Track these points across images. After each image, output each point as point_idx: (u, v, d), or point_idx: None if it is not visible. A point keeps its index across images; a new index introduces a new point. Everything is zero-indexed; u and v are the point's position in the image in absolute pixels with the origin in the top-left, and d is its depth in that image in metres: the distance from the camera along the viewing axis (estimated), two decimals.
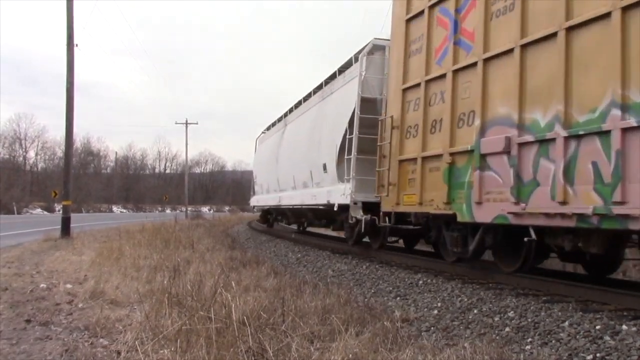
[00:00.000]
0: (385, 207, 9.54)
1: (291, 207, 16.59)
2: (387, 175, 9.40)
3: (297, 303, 5.69)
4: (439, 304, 6.68)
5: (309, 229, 20.11)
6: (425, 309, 6.60)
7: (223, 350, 3.84)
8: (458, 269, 8.44)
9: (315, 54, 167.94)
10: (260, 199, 22.35)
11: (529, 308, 5.84)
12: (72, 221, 17.95)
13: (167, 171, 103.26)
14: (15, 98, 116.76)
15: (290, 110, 18.54)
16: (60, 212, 20.05)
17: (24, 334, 4.84)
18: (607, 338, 4.65)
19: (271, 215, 22.56)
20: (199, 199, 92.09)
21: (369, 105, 10.71)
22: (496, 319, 5.74)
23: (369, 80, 10.78)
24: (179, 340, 4.07)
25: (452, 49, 7.83)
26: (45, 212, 57.66)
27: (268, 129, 23.19)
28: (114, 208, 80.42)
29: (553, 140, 5.93)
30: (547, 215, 5.95)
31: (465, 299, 6.64)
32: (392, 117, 9.45)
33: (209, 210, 76.30)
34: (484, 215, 6.92)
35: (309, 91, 16.23)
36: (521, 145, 6.39)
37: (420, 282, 8.03)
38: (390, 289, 8.02)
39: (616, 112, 5.25)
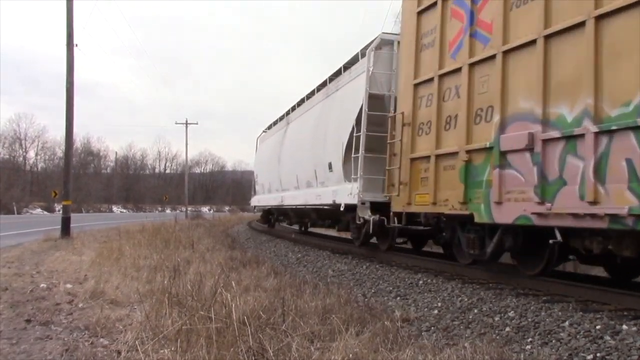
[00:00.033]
0: (396, 207, 9.21)
1: (294, 207, 16.27)
2: (398, 174, 9.07)
3: (297, 303, 5.69)
4: (439, 304, 6.68)
5: (310, 229, 19.82)
6: (426, 309, 6.60)
7: (223, 350, 3.84)
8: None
9: (315, 53, 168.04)
10: (262, 199, 22.02)
11: (529, 308, 5.84)
12: (72, 221, 17.94)
13: (167, 171, 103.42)
14: (15, 98, 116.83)
15: (293, 109, 18.15)
16: (60, 212, 20.05)
17: (24, 334, 4.84)
18: (607, 338, 4.65)
19: (272, 216, 22.24)
20: (199, 199, 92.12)
21: (376, 102, 10.43)
22: (496, 318, 5.74)
23: (377, 76, 10.47)
24: (179, 340, 4.07)
25: (467, 42, 7.48)
26: (45, 212, 57.67)
27: (269, 127, 22.75)
28: (114, 208, 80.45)
29: (582, 136, 5.58)
30: (576, 216, 5.59)
31: (466, 299, 6.64)
32: (402, 113, 9.12)
33: (209, 210, 76.31)
34: (505, 215, 6.57)
35: (311, 89, 15.87)
36: (546, 141, 6.04)
37: (421, 282, 8.03)
38: (391, 288, 8.02)
39: None
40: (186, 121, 56.73)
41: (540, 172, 6.06)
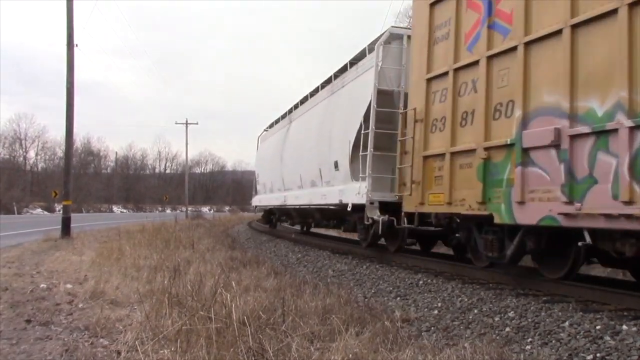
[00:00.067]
0: (408, 207, 8.82)
1: (297, 207, 15.89)
2: (410, 172, 8.68)
3: (297, 303, 5.69)
4: (439, 304, 6.68)
5: (312, 229, 19.45)
6: (426, 309, 6.60)
7: (223, 350, 3.84)
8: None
9: (315, 53, 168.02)
10: (263, 199, 21.53)
11: (529, 308, 5.84)
12: (72, 221, 17.94)
13: (167, 171, 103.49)
14: (15, 98, 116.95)
15: (296, 106, 17.65)
16: (61, 212, 20.06)
17: (24, 334, 4.84)
18: (607, 338, 4.65)
19: (274, 216, 21.79)
20: (199, 199, 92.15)
21: (385, 98, 10.07)
22: (496, 319, 5.74)
23: (386, 71, 10.09)
24: (179, 340, 4.07)
25: (485, 33, 7.12)
26: (46, 212, 57.69)
27: (271, 126, 22.19)
28: (114, 208, 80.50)
29: (614, 131, 5.23)
30: (609, 216, 5.25)
31: (466, 299, 6.64)
32: (414, 109, 8.73)
33: (209, 210, 76.35)
34: (528, 216, 6.21)
35: (315, 86, 15.48)
36: (574, 137, 5.68)
37: (421, 282, 8.03)
38: (391, 289, 8.02)
39: None
40: (186, 121, 56.79)
41: (567, 169, 5.70)
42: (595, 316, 5.24)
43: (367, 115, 10.16)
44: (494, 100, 6.95)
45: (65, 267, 9.30)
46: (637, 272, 7.04)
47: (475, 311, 6.12)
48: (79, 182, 63.70)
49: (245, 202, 69.31)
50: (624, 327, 4.82)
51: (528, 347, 4.83)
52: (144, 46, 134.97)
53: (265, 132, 23.50)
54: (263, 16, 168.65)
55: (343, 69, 12.84)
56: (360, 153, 10.23)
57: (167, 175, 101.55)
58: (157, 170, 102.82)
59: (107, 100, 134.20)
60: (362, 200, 10.00)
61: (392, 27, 10.58)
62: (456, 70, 7.74)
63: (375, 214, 9.64)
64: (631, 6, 5.19)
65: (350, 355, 4.02)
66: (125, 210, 78.94)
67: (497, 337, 5.15)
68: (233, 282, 6.20)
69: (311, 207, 14.25)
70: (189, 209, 55.60)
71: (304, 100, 16.68)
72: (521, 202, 6.29)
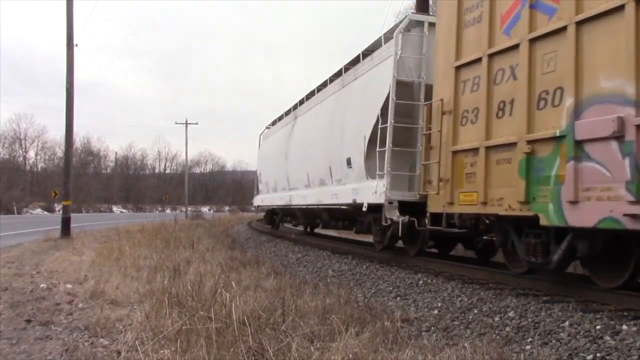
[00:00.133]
0: (435, 208, 8.12)
1: (304, 207, 15.08)
2: (437, 169, 8.00)
3: (297, 303, 5.69)
4: (439, 304, 6.68)
5: (315, 230, 19.03)
6: (426, 309, 6.60)
7: (223, 350, 3.85)
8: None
9: (315, 53, 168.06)
10: (266, 199, 20.67)
11: (529, 308, 5.84)
12: (72, 221, 17.96)
13: (167, 171, 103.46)
14: (15, 98, 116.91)
15: (301, 102, 16.77)
16: (60, 212, 20.06)
17: (24, 334, 4.84)
18: (607, 338, 4.65)
19: (277, 216, 20.85)
20: (199, 199, 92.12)
21: (405, 90, 9.42)
22: (496, 318, 5.74)
23: (405, 61, 9.40)
24: (179, 340, 4.07)
25: (527, 14, 6.45)
26: (45, 212, 57.67)
27: (274, 123, 21.19)
28: (114, 208, 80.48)
29: None
30: None
31: (466, 299, 6.64)
32: (441, 100, 8.08)
33: (209, 210, 76.32)
34: (583, 217, 5.51)
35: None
36: None
37: (421, 282, 8.03)
38: (391, 289, 8.02)
39: None
40: (186, 121, 56.83)
41: (634, 164, 5.02)
42: (595, 316, 5.24)
43: (385, 109, 9.49)
44: (539, 88, 6.27)
45: (65, 267, 9.31)
46: None
47: (475, 311, 6.12)
48: (78, 182, 63.71)
49: (245, 202, 69.34)
50: (624, 327, 4.82)
51: (528, 347, 4.83)
52: (144, 46, 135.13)
53: (267, 129, 22.61)
54: (263, 16, 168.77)
55: (355, 61, 12.15)
56: (377, 149, 9.54)
57: (167, 175, 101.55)
58: (157, 170, 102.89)
59: (107, 100, 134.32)
60: (379, 199, 9.34)
61: (412, 13, 9.98)
62: (491, 55, 7.09)
63: (394, 215, 8.99)
64: None
65: (350, 355, 4.03)
66: (125, 210, 78.91)
67: (497, 337, 5.15)
68: (233, 282, 6.20)
69: (319, 207, 13.61)
70: (189, 209, 55.61)
71: (310, 95, 15.93)
72: (574, 202, 5.60)
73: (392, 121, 9.25)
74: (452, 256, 10.85)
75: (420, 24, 9.61)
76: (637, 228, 5.01)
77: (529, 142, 6.30)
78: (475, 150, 7.24)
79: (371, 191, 9.73)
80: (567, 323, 5.16)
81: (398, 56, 9.37)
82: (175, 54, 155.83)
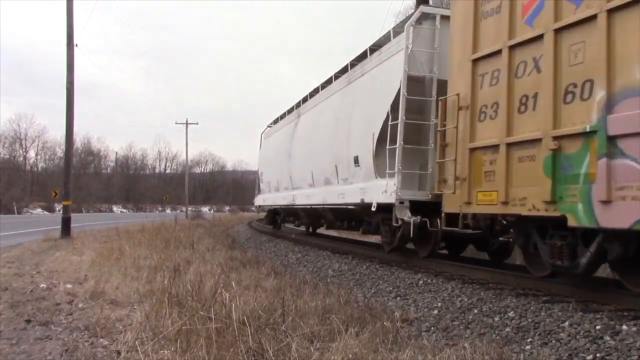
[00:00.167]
0: (450, 207, 7.82)
1: (308, 207, 14.74)
2: (454, 167, 7.69)
3: (297, 303, 5.69)
4: (439, 304, 6.68)
5: (318, 230, 18.77)
6: (426, 309, 6.60)
7: (223, 350, 3.85)
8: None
9: (315, 53, 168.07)
10: (267, 198, 20.22)
11: (529, 308, 5.84)
12: (72, 221, 17.98)
13: (167, 171, 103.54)
14: (15, 98, 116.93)
15: (305, 99, 16.36)
16: (61, 212, 20.07)
17: (24, 334, 4.84)
18: (607, 338, 4.65)
19: (279, 216, 20.50)
20: (199, 199, 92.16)
21: (416, 85, 9.14)
22: (496, 319, 5.74)
23: (417, 55, 9.10)
24: (179, 340, 4.07)
25: (552, 3, 6.16)
26: (46, 212, 57.69)
27: (276, 121, 20.73)
28: (114, 208, 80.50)
29: None
30: None
31: (466, 299, 6.64)
32: (457, 95, 7.75)
33: (209, 210, 76.35)
34: (616, 218, 5.18)
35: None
36: None
37: (421, 282, 8.03)
38: (391, 289, 8.02)
39: None
40: (186, 121, 56.81)
41: None
42: (595, 316, 5.24)
43: (395, 105, 9.14)
44: (565, 81, 5.97)
45: (65, 267, 9.31)
46: None
47: (475, 311, 6.12)
48: (79, 182, 63.74)
49: (245, 202, 69.38)
50: (624, 327, 4.82)
51: (528, 347, 4.83)
52: (144, 46, 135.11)
53: (269, 128, 22.10)
54: (263, 16, 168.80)
55: (362, 56, 11.78)
56: (387, 147, 9.22)
57: (167, 175, 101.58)
58: (157, 170, 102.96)
59: (107, 100, 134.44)
60: (390, 199, 9.01)
61: (424, 5, 9.71)
62: (512, 47, 6.78)
63: (405, 215, 8.70)
64: None
65: (350, 355, 4.03)
66: (125, 210, 78.94)
67: (497, 337, 5.15)
68: (233, 282, 6.21)
69: (324, 207, 13.29)
70: (189, 209, 55.61)
71: (314, 92, 15.52)
72: (606, 202, 5.28)
73: (404, 117, 8.94)
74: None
75: (432, 16, 9.29)
76: None
77: (555, 138, 5.98)
78: (495, 147, 6.94)
79: (381, 190, 9.44)
80: (567, 323, 5.16)
81: (409, 50, 9.07)
82: (175, 54, 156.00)
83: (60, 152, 72.12)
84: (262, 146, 22.96)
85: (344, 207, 11.80)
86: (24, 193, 64.84)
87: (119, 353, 4.11)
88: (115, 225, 22.39)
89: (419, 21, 9.23)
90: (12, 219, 36.52)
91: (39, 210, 60.45)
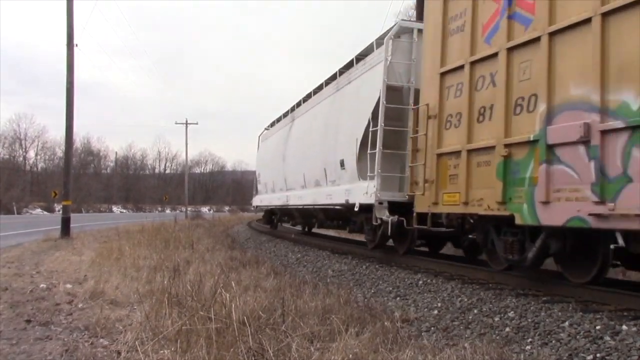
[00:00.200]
0: (420, 208, 8.44)
1: (300, 207, 15.49)
2: (423, 171, 8.35)
3: (297, 303, 5.69)
4: (439, 304, 6.68)
5: (313, 230, 19.20)
6: (425, 309, 6.60)
7: (223, 350, 3.85)
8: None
9: (315, 53, 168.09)
10: (264, 199, 21.11)
11: (529, 308, 5.84)
12: (72, 221, 17.97)
13: (167, 171, 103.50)
14: (15, 98, 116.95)
15: (298, 104, 17.19)
16: (60, 212, 20.06)
17: (24, 334, 4.84)
18: (607, 338, 4.65)
19: (275, 216, 21.35)
20: (199, 199, 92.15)
21: (394, 94, 9.77)
22: (496, 319, 5.74)
23: (395, 66, 9.76)
24: (179, 341, 4.07)
25: (505, 24, 6.75)
26: (45, 212, 57.66)
27: (272, 124, 21.74)
28: (114, 208, 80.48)
29: None
30: None
31: (465, 299, 6.64)
32: (427, 105, 8.38)
33: (209, 210, 76.36)
34: (553, 217, 5.84)
35: (318, 84, 15.06)
36: (605, 132, 5.29)
37: (420, 282, 8.03)
38: (390, 289, 8.02)
39: None
40: (186, 121, 56.82)
41: (598, 167, 5.33)
42: (595, 316, 5.24)
43: (376, 112, 9.83)
44: (515, 94, 6.60)
45: (65, 267, 9.31)
46: None
47: (475, 311, 6.12)
48: (78, 182, 63.74)
49: (245, 202, 69.30)
50: (624, 327, 4.82)
51: (528, 347, 4.83)
52: (144, 46, 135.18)
53: (266, 130, 23.05)
54: (263, 16, 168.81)
55: (349, 65, 12.49)
56: (369, 151, 9.91)
57: (166, 175, 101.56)
58: (157, 170, 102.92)
59: (107, 100, 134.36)
60: (370, 200, 9.70)
61: (402, 20, 10.30)
62: (473, 63, 7.41)
63: (384, 215, 9.36)
64: None
65: (350, 355, 4.03)
66: (124, 211, 78.92)
67: (497, 337, 5.15)
68: (233, 282, 6.20)
69: (315, 207, 13.92)
70: (189, 209, 55.61)
71: (307, 97, 16.28)
72: (546, 202, 5.92)
73: (383, 124, 9.61)
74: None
75: (409, 30, 9.95)
76: (601, 227, 5.35)
77: (506, 145, 6.63)
78: (458, 153, 7.57)
79: (363, 192, 10.09)
80: (567, 323, 5.16)
81: (388, 62, 9.74)
82: (175, 54, 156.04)
83: (60, 152, 72.20)
84: (260, 148, 23.82)
85: (332, 207, 12.42)
86: (23, 193, 64.79)
87: (119, 353, 4.10)
88: (115, 225, 22.40)
89: (397, 35, 9.90)
90: (11, 219, 36.51)
91: (38, 210, 60.43)
